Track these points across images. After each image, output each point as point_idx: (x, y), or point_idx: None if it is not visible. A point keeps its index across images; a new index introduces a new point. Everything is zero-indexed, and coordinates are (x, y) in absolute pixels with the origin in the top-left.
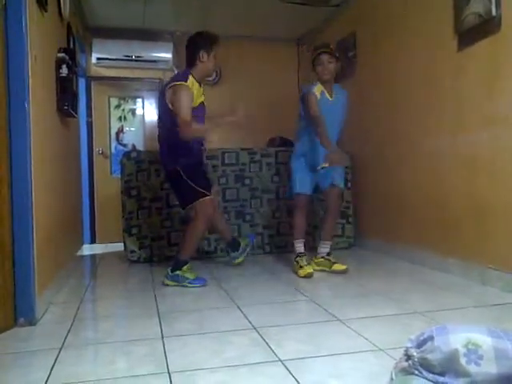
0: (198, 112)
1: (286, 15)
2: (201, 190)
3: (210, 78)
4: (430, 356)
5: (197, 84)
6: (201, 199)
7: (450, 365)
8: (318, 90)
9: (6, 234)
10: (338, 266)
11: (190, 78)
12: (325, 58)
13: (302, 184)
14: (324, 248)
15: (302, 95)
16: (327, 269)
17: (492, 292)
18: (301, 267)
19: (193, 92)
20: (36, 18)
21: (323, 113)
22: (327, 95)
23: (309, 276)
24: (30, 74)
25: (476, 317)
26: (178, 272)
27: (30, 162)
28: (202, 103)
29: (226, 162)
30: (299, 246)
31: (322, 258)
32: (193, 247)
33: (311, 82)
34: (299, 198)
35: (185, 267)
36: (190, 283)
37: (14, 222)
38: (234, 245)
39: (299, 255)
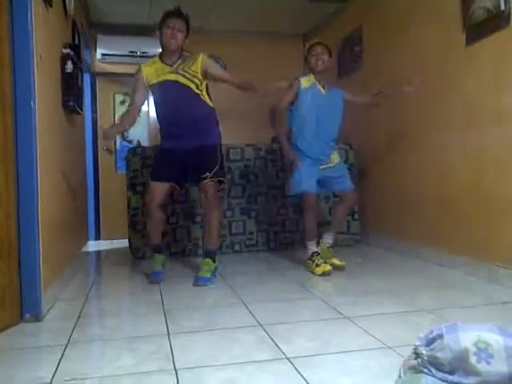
0: (160, 90)
1: (292, 11)
2: (150, 173)
3: (172, 49)
4: (439, 354)
5: (158, 63)
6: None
7: (459, 363)
8: (307, 80)
9: (12, 231)
10: (336, 261)
11: (152, 59)
12: (319, 49)
13: (307, 182)
14: (328, 239)
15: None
16: (327, 260)
17: (501, 290)
18: (317, 265)
19: (140, 73)
20: (41, 13)
21: (314, 105)
22: (319, 87)
23: (327, 273)
24: (35, 72)
25: (485, 315)
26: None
27: (36, 160)
28: (169, 81)
29: (231, 158)
30: (312, 246)
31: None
32: (149, 235)
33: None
34: (306, 197)
35: (154, 255)
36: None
37: (19, 218)
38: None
39: (314, 254)
